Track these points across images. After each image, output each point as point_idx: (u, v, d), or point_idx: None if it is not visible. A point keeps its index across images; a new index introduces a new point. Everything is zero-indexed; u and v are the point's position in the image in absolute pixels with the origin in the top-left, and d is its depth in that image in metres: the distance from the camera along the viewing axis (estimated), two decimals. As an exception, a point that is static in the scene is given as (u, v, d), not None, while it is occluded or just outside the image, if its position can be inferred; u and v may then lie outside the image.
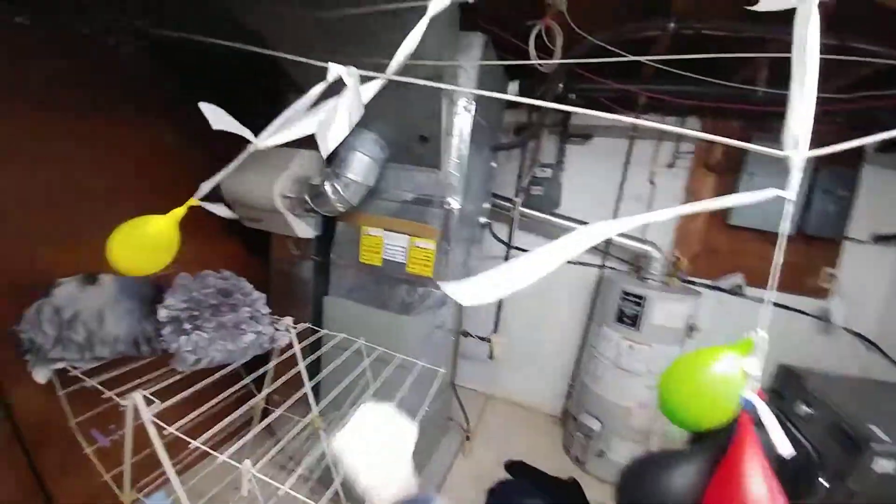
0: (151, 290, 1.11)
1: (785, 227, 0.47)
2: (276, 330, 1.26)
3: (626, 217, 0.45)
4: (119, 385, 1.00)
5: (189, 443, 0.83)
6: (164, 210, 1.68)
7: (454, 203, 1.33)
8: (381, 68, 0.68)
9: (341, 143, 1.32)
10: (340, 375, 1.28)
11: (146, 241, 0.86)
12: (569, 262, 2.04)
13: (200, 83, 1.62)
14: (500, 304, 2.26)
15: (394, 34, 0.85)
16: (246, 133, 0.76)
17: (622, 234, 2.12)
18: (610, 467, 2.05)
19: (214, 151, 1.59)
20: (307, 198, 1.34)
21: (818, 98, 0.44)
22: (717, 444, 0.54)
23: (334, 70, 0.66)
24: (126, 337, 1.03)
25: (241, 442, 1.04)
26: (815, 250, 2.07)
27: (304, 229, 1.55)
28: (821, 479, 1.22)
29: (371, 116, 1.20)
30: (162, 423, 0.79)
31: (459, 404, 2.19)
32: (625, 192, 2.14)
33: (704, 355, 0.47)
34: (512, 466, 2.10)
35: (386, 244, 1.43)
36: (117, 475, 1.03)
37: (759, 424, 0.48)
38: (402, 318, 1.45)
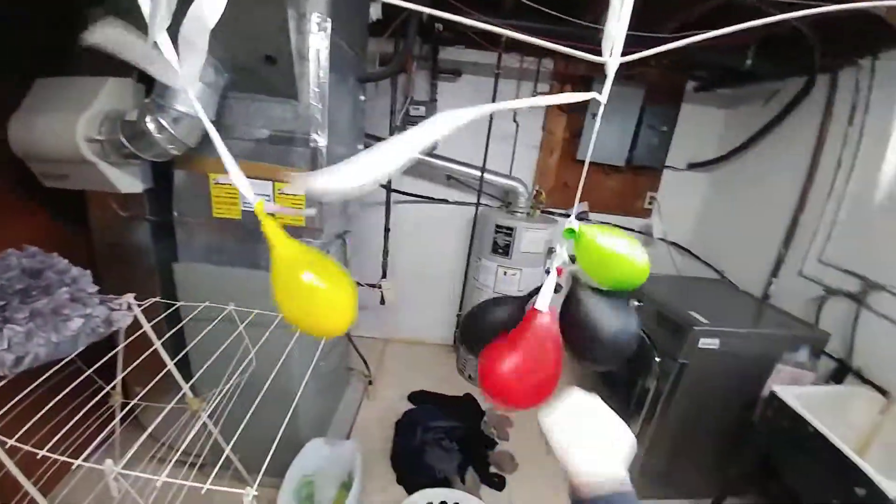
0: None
1: (597, 124, 0.53)
2: (113, 310, 1.02)
3: (478, 106, 0.44)
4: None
5: (45, 455, 0.66)
6: None
7: (320, 140, 1.19)
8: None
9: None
10: (214, 349, 1.12)
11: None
12: (448, 202, 2.10)
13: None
14: (385, 251, 2.25)
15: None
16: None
17: (493, 172, 2.26)
18: (496, 378, 2.36)
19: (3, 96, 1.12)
20: (123, 139, 1.04)
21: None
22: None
23: None
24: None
25: (106, 444, 0.86)
26: (641, 178, 2.54)
27: (128, 182, 1.22)
28: (656, 358, 1.60)
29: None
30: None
31: (358, 353, 2.20)
32: (493, 130, 2.24)
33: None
34: (414, 396, 2.25)
35: (244, 193, 1.24)
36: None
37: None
38: (280, 275, 1.32)
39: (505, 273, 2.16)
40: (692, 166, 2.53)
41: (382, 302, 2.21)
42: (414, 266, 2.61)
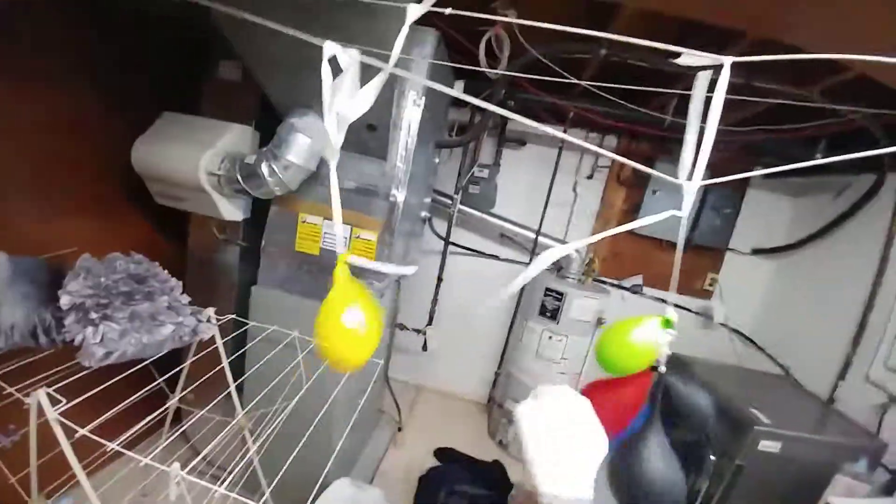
0: (48, 274, 0.95)
1: (680, 242, 0.57)
2: (200, 322, 1.15)
3: (574, 242, 0.57)
4: (20, 380, 0.86)
5: (97, 444, 0.74)
6: (78, 189, 1.41)
7: (399, 195, 1.33)
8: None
9: (281, 124, 1.24)
10: (268, 371, 1.21)
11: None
12: (499, 259, 2.18)
13: (116, 38, 1.39)
14: (435, 298, 2.31)
15: (366, 24, 0.83)
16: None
17: (547, 236, 2.32)
18: (528, 448, 2.23)
19: (129, 118, 1.39)
20: (239, 177, 1.23)
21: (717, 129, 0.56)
22: None
23: (330, 49, 0.61)
24: (23, 325, 0.87)
25: (157, 447, 0.93)
26: (701, 258, 2.46)
27: (232, 211, 1.42)
28: (711, 457, 1.45)
29: (316, 98, 1.15)
30: (70, 424, 0.70)
31: (392, 397, 2.20)
32: (552, 197, 2.33)
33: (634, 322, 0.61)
34: (441, 453, 2.17)
35: (325, 233, 1.38)
36: (24, 477, 0.88)
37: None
38: (340, 310, 1.41)
39: (550, 337, 2.12)
40: (757, 252, 2.42)
41: (425, 348, 2.24)
42: (458, 317, 2.63)
